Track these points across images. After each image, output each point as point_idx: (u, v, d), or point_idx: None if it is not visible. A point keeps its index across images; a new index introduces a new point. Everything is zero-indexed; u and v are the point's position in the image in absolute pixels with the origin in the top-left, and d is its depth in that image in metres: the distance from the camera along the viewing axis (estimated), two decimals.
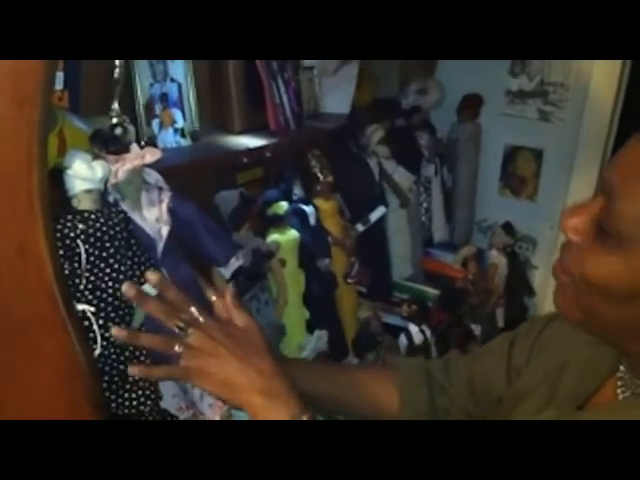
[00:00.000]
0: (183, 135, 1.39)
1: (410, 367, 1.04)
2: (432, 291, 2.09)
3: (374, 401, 1.01)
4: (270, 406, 0.79)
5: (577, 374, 0.82)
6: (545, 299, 2.59)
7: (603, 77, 2.25)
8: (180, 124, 1.39)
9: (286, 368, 0.85)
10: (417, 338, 1.87)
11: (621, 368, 0.77)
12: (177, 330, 0.83)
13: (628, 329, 0.69)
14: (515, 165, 2.55)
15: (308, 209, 1.52)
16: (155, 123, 1.35)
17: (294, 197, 1.54)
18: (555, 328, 0.92)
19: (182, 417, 1.17)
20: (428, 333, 1.91)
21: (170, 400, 1.16)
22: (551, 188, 2.47)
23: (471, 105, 2.40)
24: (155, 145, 1.33)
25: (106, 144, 1.03)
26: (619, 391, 0.76)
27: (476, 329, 2.16)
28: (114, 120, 1.20)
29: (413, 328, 1.87)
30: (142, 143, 1.31)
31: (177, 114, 1.39)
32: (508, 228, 2.39)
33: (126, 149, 1.04)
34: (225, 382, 0.80)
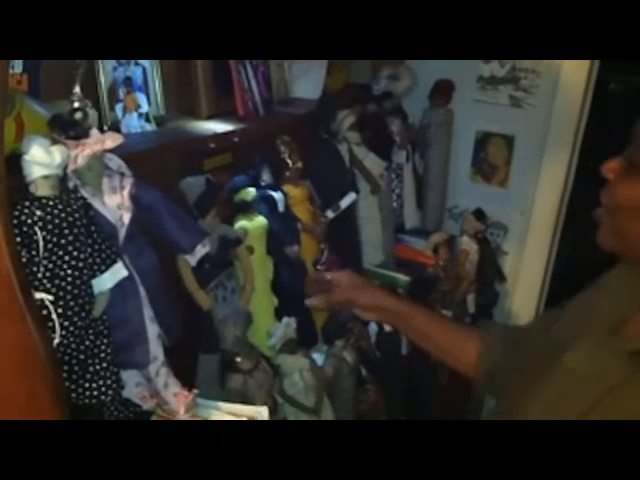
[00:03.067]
0: (148, 120, 1.37)
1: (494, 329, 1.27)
2: (403, 278, 2.08)
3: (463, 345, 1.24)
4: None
5: (610, 304, 0.93)
6: (516, 285, 2.60)
7: (574, 63, 2.25)
8: (145, 109, 1.37)
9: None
10: (387, 325, 1.86)
11: None
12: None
13: None
14: (487, 151, 2.54)
15: (277, 195, 1.51)
16: (119, 108, 1.33)
17: (263, 183, 1.52)
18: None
19: (145, 406, 1.16)
20: None
21: (133, 389, 1.15)
22: (522, 174, 2.47)
23: (443, 91, 2.38)
24: (119, 130, 1.31)
25: (65, 129, 1.00)
26: None
27: (447, 315, 2.16)
28: (76, 104, 1.18)
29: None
30: (105, 128, 1.29)
31: (142, 98, 1.37)
32: (479, 214, 2.39)
33: (86, 134, 1.02)
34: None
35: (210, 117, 1.53)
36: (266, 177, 1.54)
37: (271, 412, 1.26)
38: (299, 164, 1.56)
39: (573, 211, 2.48)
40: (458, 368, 1.25)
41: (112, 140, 1.03)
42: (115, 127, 1.31)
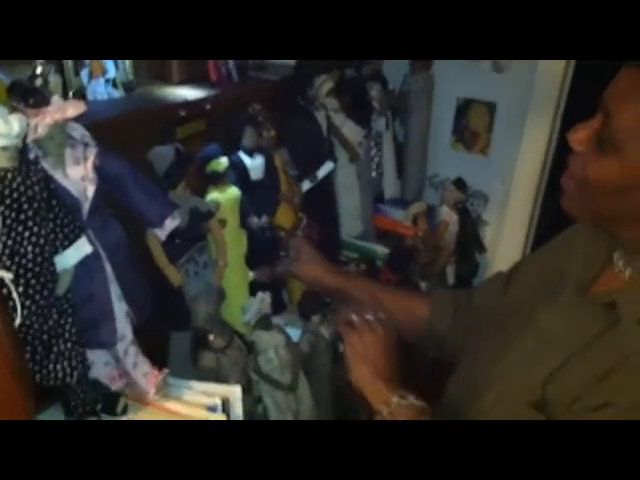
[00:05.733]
0: (115, 86, 1.30)
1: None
2: (382, 250, 2.05)
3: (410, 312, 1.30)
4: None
5: (578, 264, 0.98)
6: (496, 255, 2.58)
7: None
8: (112, 74, 1.30)
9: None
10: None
11: (615, 255, 0.94)
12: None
13: (623, 218, 0.87)
14: (468, 118, 2.50)
15: (251, 163, 1.45)
16: (84, 73, 1.26)
17: (239, 151, 1.46)
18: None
19: (114, 387, 1.12)
20: None
21: (102, 369, 1.11)
22: (504, 142, 2.44)
23: None
24: (84, 97, 1.25)
25: (24, 96, 0.94)
26: (622, 269, 0.93)
27: (426, 287, 2.13)
28: (38, 69, 1.11)
29: None
30: (70, 95, 1.23)
31: (109, 63, 1.30)
32: (460, 184, 2.36)
33: (47, 102, 0.95)
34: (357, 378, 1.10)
35: (181, 83, 1.47)
36: (244, 142, 1.48)
37: (245, 390, 1.23)
38: (272, 132, 1.51)
39: (555, 180, 2.44)
40: (407, 334, 1.27)
41: (74, 108, 0.96)
42: (81, 93, 1.24)
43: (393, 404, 1.01)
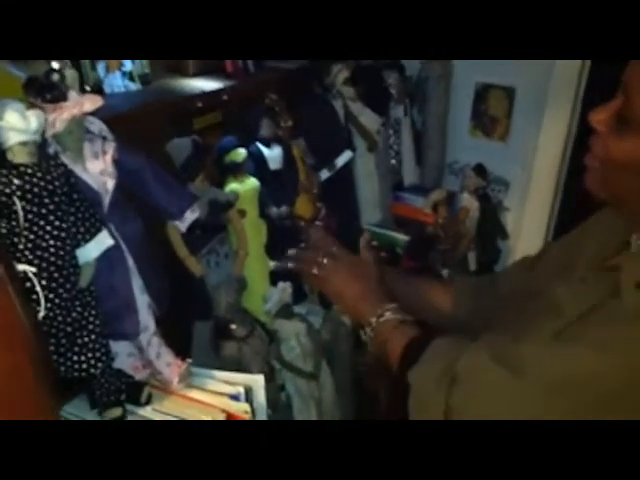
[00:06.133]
0: (132, 79, 1.31)
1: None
2: (402, 237, 2.04)
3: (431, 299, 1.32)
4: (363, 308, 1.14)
5: (594, 245, 1.01)
6: (518, 241, 2.56)
7: None
8: (128, 67, 1.31)
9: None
10: None
11: (633, 237, 0.94)
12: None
13: None
14: (487, 104, 2.48)
15: (269, 153, 1.46)
16: (101, 67, 1.27)
17: (257, 141, 1.47)
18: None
19: (138, 377, 1.13)
20: None
21: (125, 360, 1.12)
22: (523, 128, 2.41)
23: None
24: (101, 90, 1.25)
25: (41, 92, 0.95)
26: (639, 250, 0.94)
27: (447, 274, 2.12)
28: (54, 64, 1.12)
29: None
30: (87, 89, 1.24)
31: None
32: (480, 170, 2.34)
33: (64, 97, 0.96)
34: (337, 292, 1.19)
35: (197, 74, 1.47)
36: (262, 133, 1.48)
37: (267, 379, 1.23)
38: (289, 123, 1.51)
39: (576, 165, 2.42)
40: (429, 319, 1.27)
41: (91, 102, 0.97)
42: (98, 87, 1.25)
43: (373, 323, 1.11)
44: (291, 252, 1.25)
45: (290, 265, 1.25)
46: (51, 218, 0.93)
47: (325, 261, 1.25)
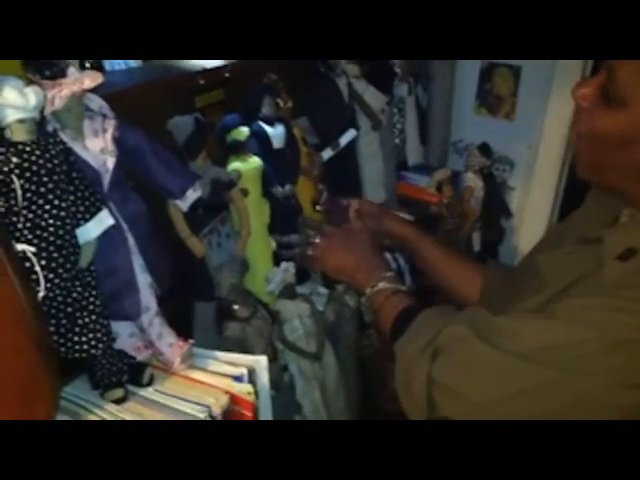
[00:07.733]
0: None
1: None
2: (406, 217, 2.02)
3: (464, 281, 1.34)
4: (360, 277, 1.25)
5: (585, 220, 1.03)
6: (522, 221, 2.55)
7: None
8: None
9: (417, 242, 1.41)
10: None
11: (624, 211, 0.96)
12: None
13: (631, 174, 0.88)
14: (492, 83, 2.46)
15: (272, 131, 1.43)
16: None
17: (259, 119, 1.44)
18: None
19: (140, 357, 1.12)
20: (401, 261, 1.86)
21: (127, 340, 1.11)
22: (529, 106, 2.39)
23: None
24: (101, 67, 1.23)
25: (40, 68, 0.93)
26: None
27: (454, 249, 2.11)
28: None
29: (386, 256, 1.81)
30: (87, 65, 1.21)
31: None
32: (485, 149, 2.31)
33: (63, 73, 0.95)
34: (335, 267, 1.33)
35: None
36: (264, 111, 1.46)
37: (271, 360, 1.22)
38: (289, 103, 1.49)
39: None
40: (458, 299, 1.32)
41: (91, 79, 0.96)
42: (98, 64, 1.23)
43: (367, 293, 1.19)
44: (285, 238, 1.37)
45: (286, 254, 1.33)
46: (50, 197, 0.91)
47: (317, 240, 1.33)
